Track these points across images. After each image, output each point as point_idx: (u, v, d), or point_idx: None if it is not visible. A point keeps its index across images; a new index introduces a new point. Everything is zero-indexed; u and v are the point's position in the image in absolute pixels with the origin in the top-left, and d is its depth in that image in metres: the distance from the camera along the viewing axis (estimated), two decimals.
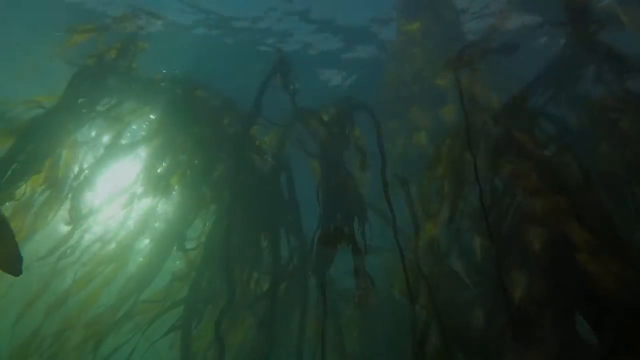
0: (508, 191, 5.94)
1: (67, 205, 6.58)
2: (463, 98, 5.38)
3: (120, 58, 5.74)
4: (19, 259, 1.91)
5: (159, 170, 6.54)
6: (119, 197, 6.72)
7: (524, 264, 5.81)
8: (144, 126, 6.68)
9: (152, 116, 6.50)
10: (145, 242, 7.61)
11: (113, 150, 6.08)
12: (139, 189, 6.63)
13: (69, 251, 6.80)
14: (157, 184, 6.57)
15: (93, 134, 6.47)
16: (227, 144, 5.91)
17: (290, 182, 6.21)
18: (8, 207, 5.53)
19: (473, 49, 5.82)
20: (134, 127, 6.74)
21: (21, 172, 5.44)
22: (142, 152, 6.61)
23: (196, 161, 6.32)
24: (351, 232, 5.34)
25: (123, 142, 6.33)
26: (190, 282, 5.71)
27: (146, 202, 6.73)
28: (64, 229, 6.75)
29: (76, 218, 5.91)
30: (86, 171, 6.27)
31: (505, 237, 5.79)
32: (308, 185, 6.18)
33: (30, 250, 7.46)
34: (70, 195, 6.09)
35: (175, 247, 6.60)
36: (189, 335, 5.30)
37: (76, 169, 6.41)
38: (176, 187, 6.67)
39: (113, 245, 6.99)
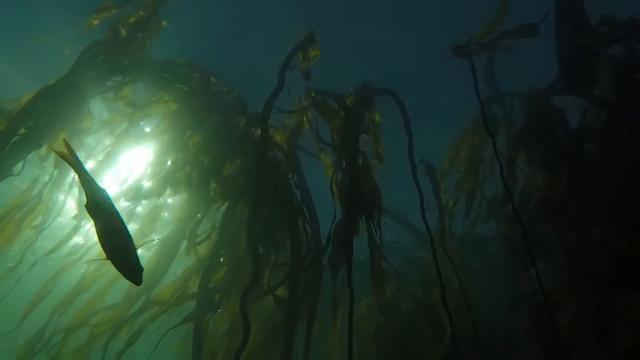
0: (530, 180, 5.81)
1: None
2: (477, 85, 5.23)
3: (136, 33, 5.53)
4: (139, 269, 1.96)
5: (169, 162, 6.37)
6: (126, 190, 6.57)
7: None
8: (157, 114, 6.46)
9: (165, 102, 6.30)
10: (153, 238, 7.46)
11: (124, 138, 5.92)
12: (148, 182, 6.49)
13: (75, 248, 6.68)
14: (168, 177, 6.41)
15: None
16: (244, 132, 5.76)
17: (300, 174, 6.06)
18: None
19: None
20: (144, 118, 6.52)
21: (22, 146, 5.25)
22: (154, 142, 6.44)
23: (210, 152, 6.14)
24: (369, 223, 5.17)
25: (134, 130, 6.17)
26: (203, 271, 5.53)
27: (155, 195, 6.54)
28: (70, 225, 6.61)
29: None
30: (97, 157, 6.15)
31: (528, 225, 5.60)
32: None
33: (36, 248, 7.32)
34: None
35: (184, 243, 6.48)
36: (202, 325, 5.13)
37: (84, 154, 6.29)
38: (187, 180, 6.50)
39: None
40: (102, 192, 2.07)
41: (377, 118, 5.69)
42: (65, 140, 2.26)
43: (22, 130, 5.22)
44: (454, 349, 4.50)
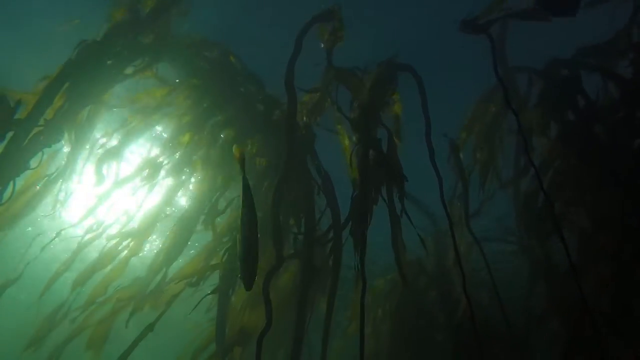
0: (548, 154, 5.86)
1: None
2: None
3: (158, 11, 5.55)
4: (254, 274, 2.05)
5: (186, 140, 6.44)
6: (143, 169, 6.63)
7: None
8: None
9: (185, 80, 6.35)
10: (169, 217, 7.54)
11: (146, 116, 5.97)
12: (166, 161, 6.55)
13: (95, 226, 6.75)
14: (188, 155, 6.49)
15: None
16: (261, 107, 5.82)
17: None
18: None
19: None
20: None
21: (41, 139, 5.22)
22: (174, 121, 6.49)
23: (229, 130, 6.21)
24: (389, 195, 5.24)
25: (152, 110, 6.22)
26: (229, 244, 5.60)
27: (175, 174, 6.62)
28: (89, 204, 6.69)
29: (99, 181, 5.78)
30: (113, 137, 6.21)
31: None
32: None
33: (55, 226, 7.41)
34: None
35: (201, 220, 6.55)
36: (226, 298, 5.20)
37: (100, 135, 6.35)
38: (206, 158, 6.58)
39: (138, 219, 6.90)
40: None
41: (397, 96, 5.74)
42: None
43: (42, 123, 5.15)
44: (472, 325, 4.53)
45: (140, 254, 6.62)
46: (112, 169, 6.49)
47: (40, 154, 5.20)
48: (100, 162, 6.38)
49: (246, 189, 2.12)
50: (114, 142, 6.34)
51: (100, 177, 6.11)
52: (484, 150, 6.46)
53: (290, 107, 4.85)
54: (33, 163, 5.17)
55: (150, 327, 4.91)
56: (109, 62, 5.50)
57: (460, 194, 6.54)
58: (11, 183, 4.89)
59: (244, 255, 2.03)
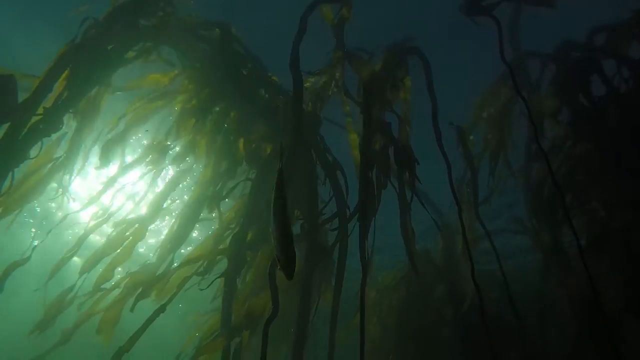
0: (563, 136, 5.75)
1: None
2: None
3: None
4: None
5: (191, 125, 6.38)
6: (148, 154, 6.59)
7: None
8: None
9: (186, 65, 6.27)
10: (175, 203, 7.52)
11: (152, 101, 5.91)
12: (172, 146, 6.51)
13: (101, 211, 6.75)
14: (192, 142, 6.44)
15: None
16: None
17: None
18: None
19: None
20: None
21: (40, 129, 5.11)
22: (178, 107, 6.43)
23: (233, 115, 6.14)
24: (400, 180, 5.16)
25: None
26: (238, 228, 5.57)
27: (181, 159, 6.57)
28: (95, 190, 6.68)
29: (105, 163, 5.75)
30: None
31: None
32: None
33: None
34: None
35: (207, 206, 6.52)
36: (234, 280, 5.18)
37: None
38: (211, 144, 6.53)
39: (144, 204, 6.89)
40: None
41: (408, 82, 5.63)
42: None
43: (41, 110, 5.00)
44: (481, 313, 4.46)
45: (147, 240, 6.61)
46: (118, 154, 6.47)
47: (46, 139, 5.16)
48: (107, 147, 6.37)
49: (280, 180, 2.11)
50: (120, 126, 6.29)
51: (105, 162, 6.09)
52: (494, 135, 6.35)
53: (296, 90, 4.75)
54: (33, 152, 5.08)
55: (162, 309, 4.90)
56: (109, 47, 5.43)
57: (469, 181, 6.45)
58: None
59: (280, 244, 2.02)
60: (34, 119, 4.95)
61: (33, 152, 5.04)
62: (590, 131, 5.73)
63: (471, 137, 6.30)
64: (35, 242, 5.88)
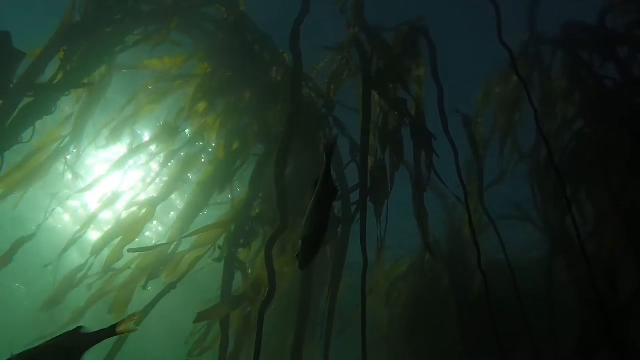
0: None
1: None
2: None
3: None
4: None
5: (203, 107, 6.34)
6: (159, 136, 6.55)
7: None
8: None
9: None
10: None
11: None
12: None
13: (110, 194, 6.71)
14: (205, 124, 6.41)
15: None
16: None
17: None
18: None
19: None
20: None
21: (31, 112, 4.92)
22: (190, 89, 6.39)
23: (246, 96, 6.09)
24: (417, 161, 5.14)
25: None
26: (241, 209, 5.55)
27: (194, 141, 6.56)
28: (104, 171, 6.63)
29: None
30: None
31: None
32: None
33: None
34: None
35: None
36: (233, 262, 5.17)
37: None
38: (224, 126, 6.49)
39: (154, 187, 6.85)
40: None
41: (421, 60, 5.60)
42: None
43: (31, 94, 4.86)
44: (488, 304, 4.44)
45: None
46: (128, 136, 6.44)
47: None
48: (116, 128, 6.33)
49: (327, 170, 2.02)
50: (130, 107, 6.25)
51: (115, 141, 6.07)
52: (502, 120, 6.35)
53: (295, 68, 4.69)
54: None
55: (173, 285, 4.89)
56: (108, 29, 5.31)
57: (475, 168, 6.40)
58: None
59: (308, 233, 1.90)
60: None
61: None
62: (600, 113, 5.72)
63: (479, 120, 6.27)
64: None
